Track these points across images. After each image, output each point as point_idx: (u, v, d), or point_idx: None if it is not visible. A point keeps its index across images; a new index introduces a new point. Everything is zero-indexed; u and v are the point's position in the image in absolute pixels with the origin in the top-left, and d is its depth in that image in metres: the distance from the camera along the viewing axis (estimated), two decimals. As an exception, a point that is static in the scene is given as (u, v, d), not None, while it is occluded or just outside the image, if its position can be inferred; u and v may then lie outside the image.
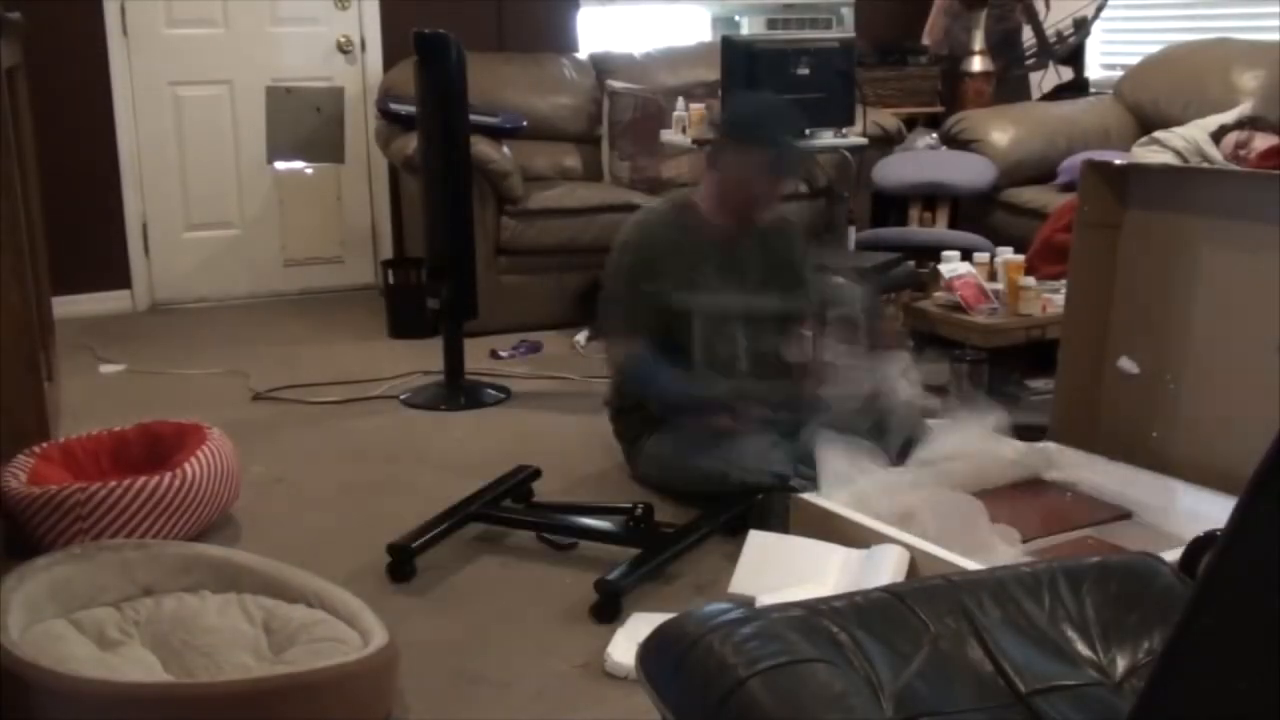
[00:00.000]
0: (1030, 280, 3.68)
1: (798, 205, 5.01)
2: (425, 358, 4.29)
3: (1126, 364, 3.05)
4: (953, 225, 4.98)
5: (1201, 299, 2.91)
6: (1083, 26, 5.61)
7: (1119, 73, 5.50)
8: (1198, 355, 2.92)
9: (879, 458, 2.85)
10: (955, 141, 5.15)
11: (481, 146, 4.50)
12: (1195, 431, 2.91)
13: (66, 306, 4.82)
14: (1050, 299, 3.63)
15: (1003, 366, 3.74)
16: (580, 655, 2.36)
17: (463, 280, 3.90)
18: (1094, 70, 5.88)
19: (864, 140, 4.43)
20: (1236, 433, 2.78)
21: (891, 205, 5.15)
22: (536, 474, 3.13)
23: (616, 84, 5.29)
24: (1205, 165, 4.25)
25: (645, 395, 3.08)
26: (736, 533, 2.73)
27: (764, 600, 2.35)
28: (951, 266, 3.78)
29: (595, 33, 5.71)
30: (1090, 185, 3.07)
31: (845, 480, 2.72)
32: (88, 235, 5.07)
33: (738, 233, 3.14)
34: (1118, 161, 3.26)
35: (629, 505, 2.91)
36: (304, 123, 5.06)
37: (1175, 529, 2.64)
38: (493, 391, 4.00)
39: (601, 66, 5.41)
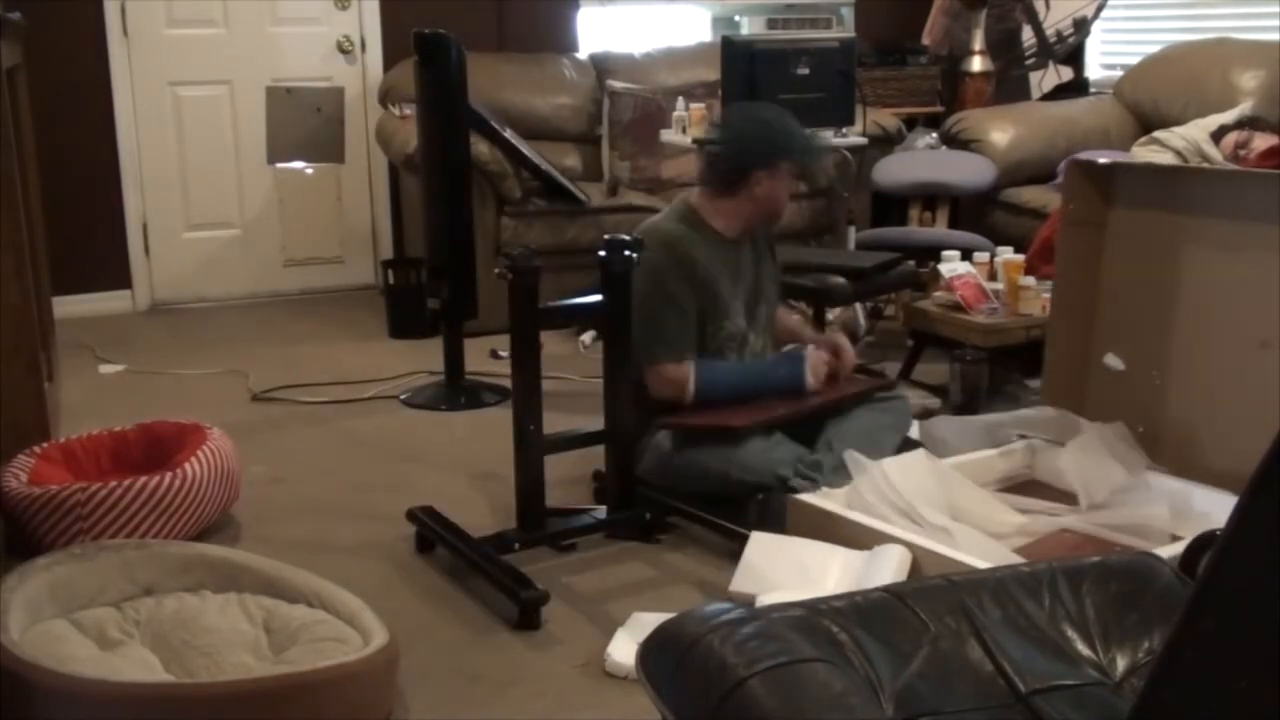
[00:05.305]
0: (1030, 280, 3.68)
1: (797, 205, 5.02)
2: (425, 358, 4.29)
3: (1112, 360, 3.05)
4: (953, 225, 4.98)
5: (1186, 296, 2.92)
6: (1083, 26, 5.61)
7: (1119, 73, 5.50)
8: (1182, 352, 2.93)
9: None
10: (955, 141, 5.15)
11: (481, 146, 4.50)
12: (1180, 427, 2.92)
13: (66, 306, 4.82)
14: (1050, 299, 3.62)
15: (1003, 366, 3.74)
16: (580, 655, 2.37)
17: (462, 280, 3.90)
18: (1094, 70, 5.88)
19: (864, 140, 4.42)
20: (1221, 428, 2.79)
21: (891, 205, 5.15)
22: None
23: (616, 84, 5.29)
24: (1202, 165, 4.25)
25: (717, 399, 3.00)
26: (736, 533, 2.73)
27: (764, 600, 2.35)
28: (951, 266, 3.78)
29: (595, 33, 5.71)
30: (1076, 184, 3.08)
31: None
32: (88, 235, 5.08)
33: (740, 239, 3.13)
34: (1102, 160, 3.27)
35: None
36: (304, 123, 5.06)
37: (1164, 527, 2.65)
38: (493, 392, 4.00)
39: (601, 66, 5.42)
